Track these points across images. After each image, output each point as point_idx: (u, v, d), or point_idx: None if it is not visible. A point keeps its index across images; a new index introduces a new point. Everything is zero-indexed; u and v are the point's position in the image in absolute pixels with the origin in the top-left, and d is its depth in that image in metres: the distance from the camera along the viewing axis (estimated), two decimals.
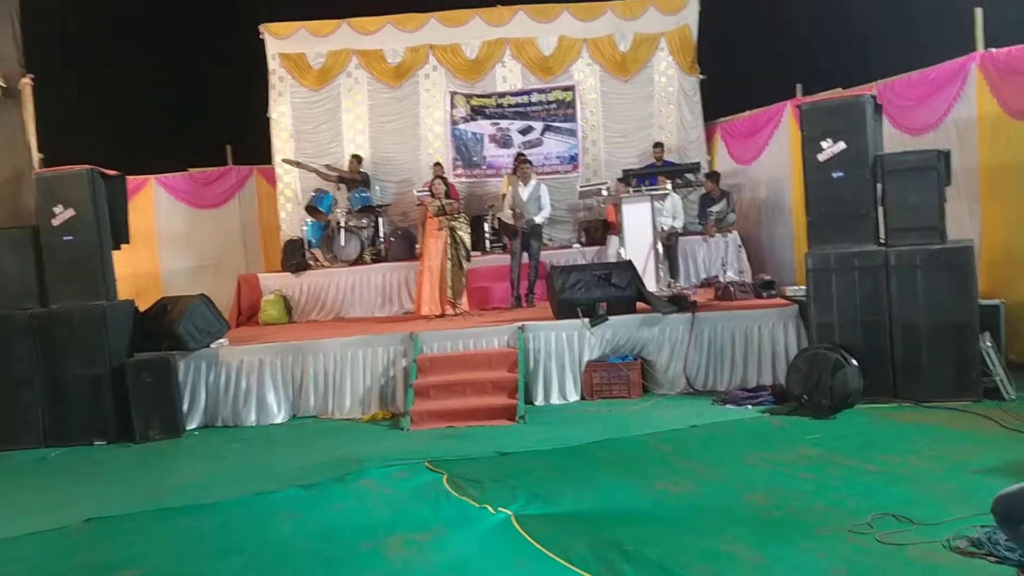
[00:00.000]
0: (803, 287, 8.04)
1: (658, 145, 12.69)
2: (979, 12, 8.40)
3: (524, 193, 10.36)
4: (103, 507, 5.91)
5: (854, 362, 7.20)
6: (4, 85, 9.97)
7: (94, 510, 5.83)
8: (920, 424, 6.59)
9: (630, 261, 9.30)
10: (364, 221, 12.28)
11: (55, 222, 8.35)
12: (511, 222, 10.47)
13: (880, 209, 7.57)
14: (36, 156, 10.17)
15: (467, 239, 10.01)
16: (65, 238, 8.35)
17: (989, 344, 7.08)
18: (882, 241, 7.56)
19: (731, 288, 9.28)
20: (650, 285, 9.59)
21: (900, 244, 7.38)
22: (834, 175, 7.60)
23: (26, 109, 10.20)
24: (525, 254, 10.42)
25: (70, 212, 8.34)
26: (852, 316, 7.49)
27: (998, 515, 3.64)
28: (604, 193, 11.69)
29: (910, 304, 7.30)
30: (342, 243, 11.94)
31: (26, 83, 10.18)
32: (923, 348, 7.24)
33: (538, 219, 10.37)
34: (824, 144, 7.62)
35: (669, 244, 11.22)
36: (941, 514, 4.52)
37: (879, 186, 7.53)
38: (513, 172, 10.67)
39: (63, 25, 12.37)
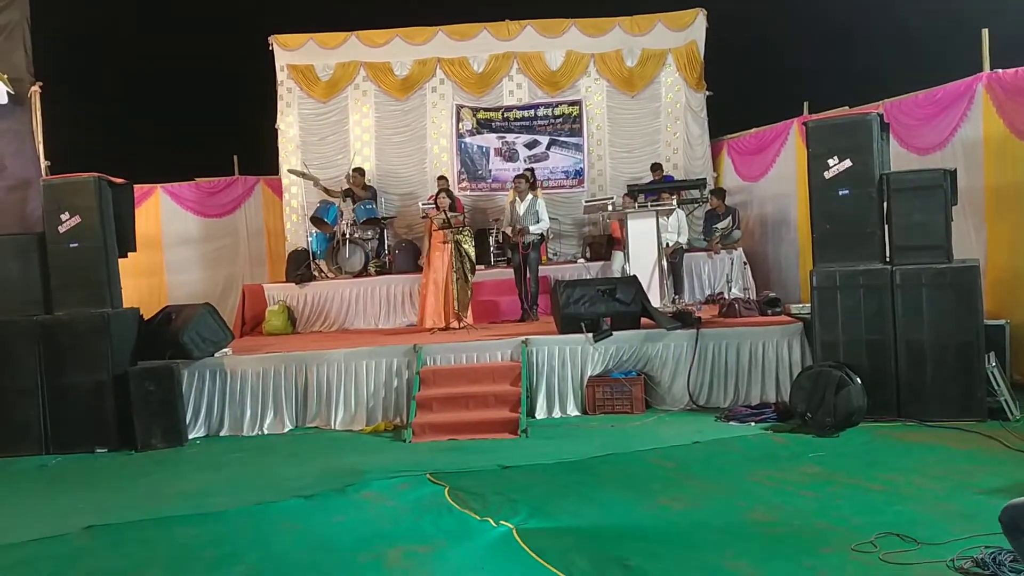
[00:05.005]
0: (808, 305, 8.03)
1: (656, 167, 12.66)
2: (986, 33, 8.42)
3: (520, 208, 10.42)
4: (104, 515, 5.90)
5: (858, 380, 7.18)
6: (13, 92, 10.02)
7: (94, 518, 5.82)
8: (924, 443, 6.57)
9: (635, 276, 9.29)
10: (369, 233, 12.31)
11: (61, 229, 8.37)
12: (512, 236, 10.50)
13: (886, 227, 7.57)
14: (44, 163, 10.21)
15: (472, 252, 10.00)
16: (71, 245, 8.36)
17: (994, 364, 7.06)
18: (887, 259, 7.55)
19: (736, 305, 9.25)
20: (654, 301, 9.58)
21: (905, 263, 7.38)
22: (840, 192, 7.62)
23: (34, 116, 10.25)
24: (526, 267, 10.44)
25: (76, 219, 8.36)
26: (857, 334, 7.49)
27: (1005, 524, 3.63)
28: (609, 208, 11.72)
29: (915, 323, 7.29)
30: (347, 255, 11.96)
31: (35, 90, 10.23)
32: (928, 367, 7.24)
33: (533, 229, 10.39)
34: (831, 162, 7.64)
35: (674, 260, 11.22)
36: (945, 534, 4.49)
37: (885, 204, 7.53)
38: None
39: (73, 34, 12.44)
